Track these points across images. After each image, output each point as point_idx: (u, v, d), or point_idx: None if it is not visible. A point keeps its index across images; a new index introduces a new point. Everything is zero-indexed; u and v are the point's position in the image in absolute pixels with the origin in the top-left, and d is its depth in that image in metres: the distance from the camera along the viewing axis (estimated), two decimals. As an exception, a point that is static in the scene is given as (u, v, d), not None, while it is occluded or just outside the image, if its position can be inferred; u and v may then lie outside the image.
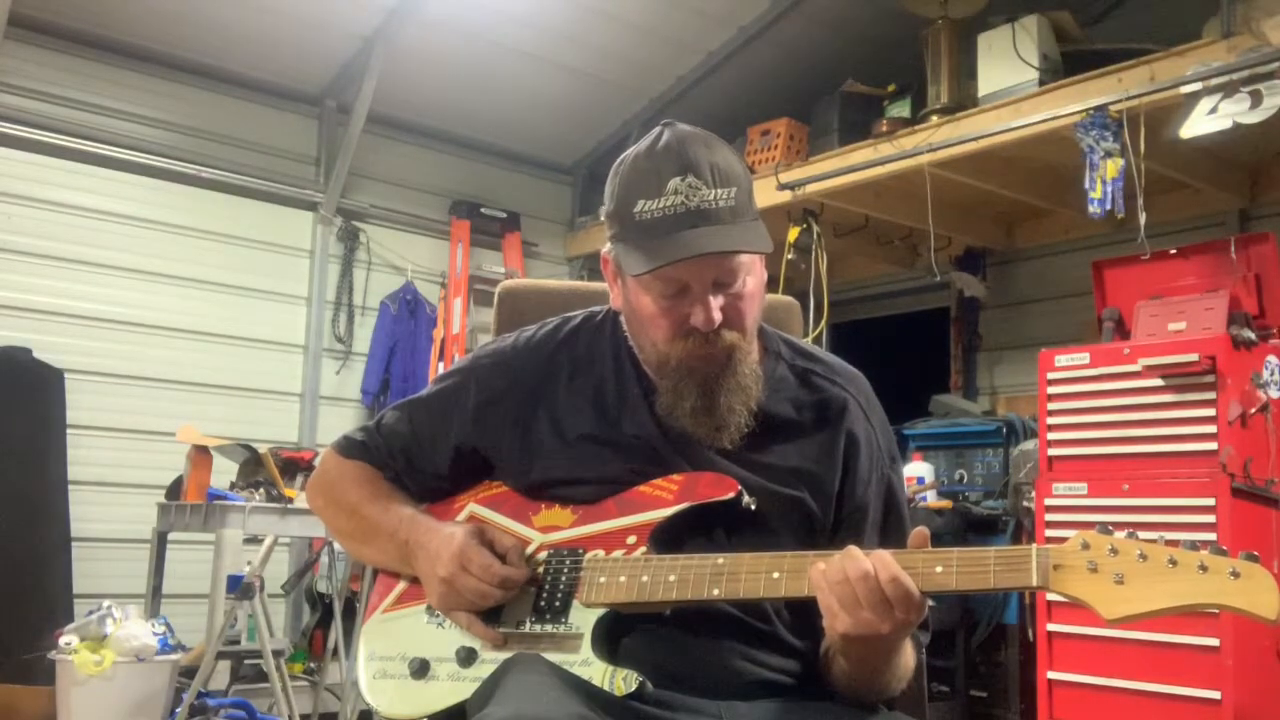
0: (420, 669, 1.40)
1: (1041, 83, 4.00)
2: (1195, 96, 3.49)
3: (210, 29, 4.76)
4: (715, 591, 1.28)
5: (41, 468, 4.35)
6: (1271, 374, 3.36)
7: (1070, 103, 3.79)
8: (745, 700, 1.33)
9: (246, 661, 3.94)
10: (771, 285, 1.59)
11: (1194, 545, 1.12)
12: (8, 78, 4.54)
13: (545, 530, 1.43)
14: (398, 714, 1.40)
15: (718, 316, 1.35)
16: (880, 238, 5.30)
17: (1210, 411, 3.27)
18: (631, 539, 1.37)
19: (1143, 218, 3.57)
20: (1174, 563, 1.11)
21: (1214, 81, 3.43)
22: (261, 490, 3.90)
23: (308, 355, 5.29)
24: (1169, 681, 3.19)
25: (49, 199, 4.63)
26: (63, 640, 3.47)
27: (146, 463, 4.61)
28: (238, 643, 3.81)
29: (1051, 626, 3.48)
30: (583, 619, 1.34)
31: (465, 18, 4.84)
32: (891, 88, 4.70)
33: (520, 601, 1.38)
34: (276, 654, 3.68)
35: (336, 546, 4.15)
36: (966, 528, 4.33)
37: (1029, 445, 4.16)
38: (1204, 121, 3.47)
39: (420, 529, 1.45)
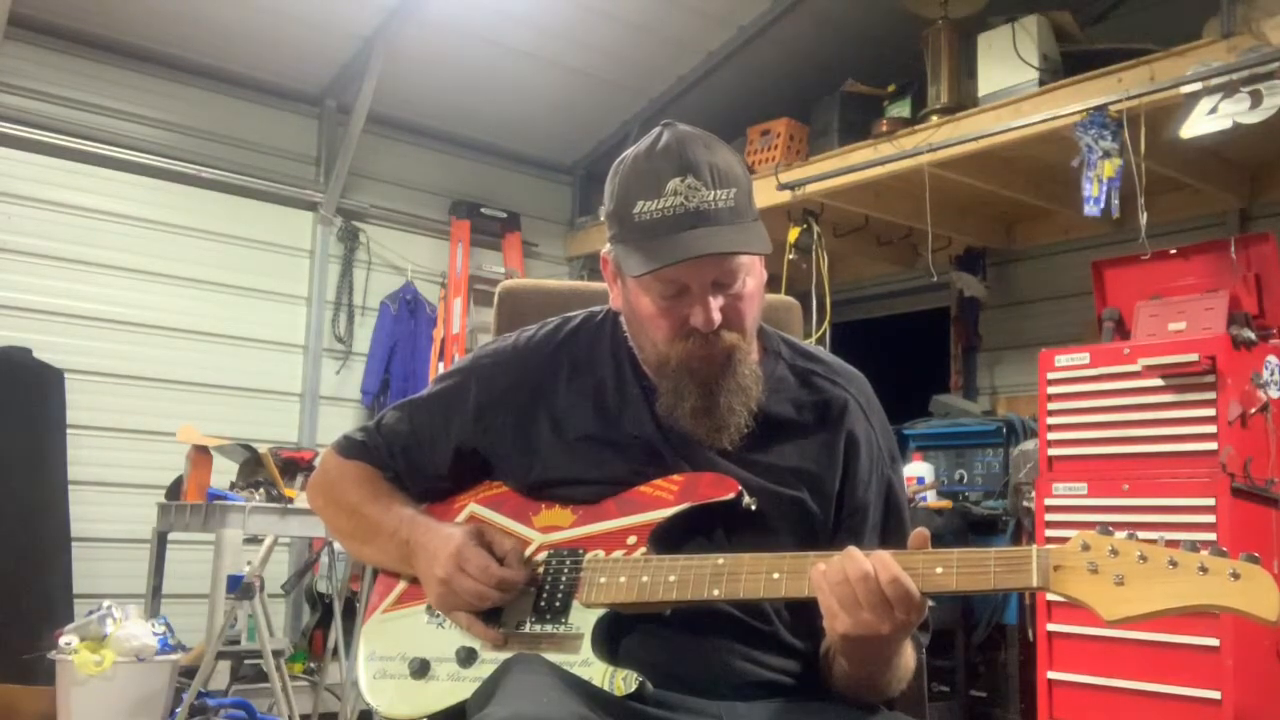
0: (420, 669, 1.40)
1: (1041, 83, 4.00)
2: (1195, 96, 3.49)
3: (210, 29, 4.76)
4: (715, 592, 1.28)
5: (41, 468, 4.35)
6: (1271, 374, 3.36)
7: (1070, 103, 3.79)
8: (745, 700, 1.33)
9: (246, 661, 3.94)
10: (773, 285, 1.59)
11: (1194, 546, 1.12)
12: (8, 78, 4.54)
13: (545, 530, 1.43)
14: (398, 714, 1.40)
15: (717, 317, 1.35)
16: (880, 238, 5.31)
17: (1210, 411, 3.27)
18: (632, 539, 1.37)
19: (1143, 218, 3.57)
20: (1174, 564, 1.11)
21: (1214, 81, 3.43)
22: (261, 490, 3.90)
23: (308, 355, 5.29)
24: (1169, 681, 3.19)
25: (49, 199, 4.63)
26: (63, 640, 3.47)
27: (146, 463, 4.61)
28: (238, 643, 3.81)
29: (1051, 626, 3.48)
30: (583, 619, 1.34)
31: (465, 18, 4.84)
32: (891, 88, 4.70)
33: (520, 602, 1.38)
34: (276, 654, 3.68)
35: (336, 546, 4.15)
36: (966, 528, 4.33)
37: (1029, 445, 4.16)
38: (1204, 121, 3.47)
39: (420, 529, 1.45)
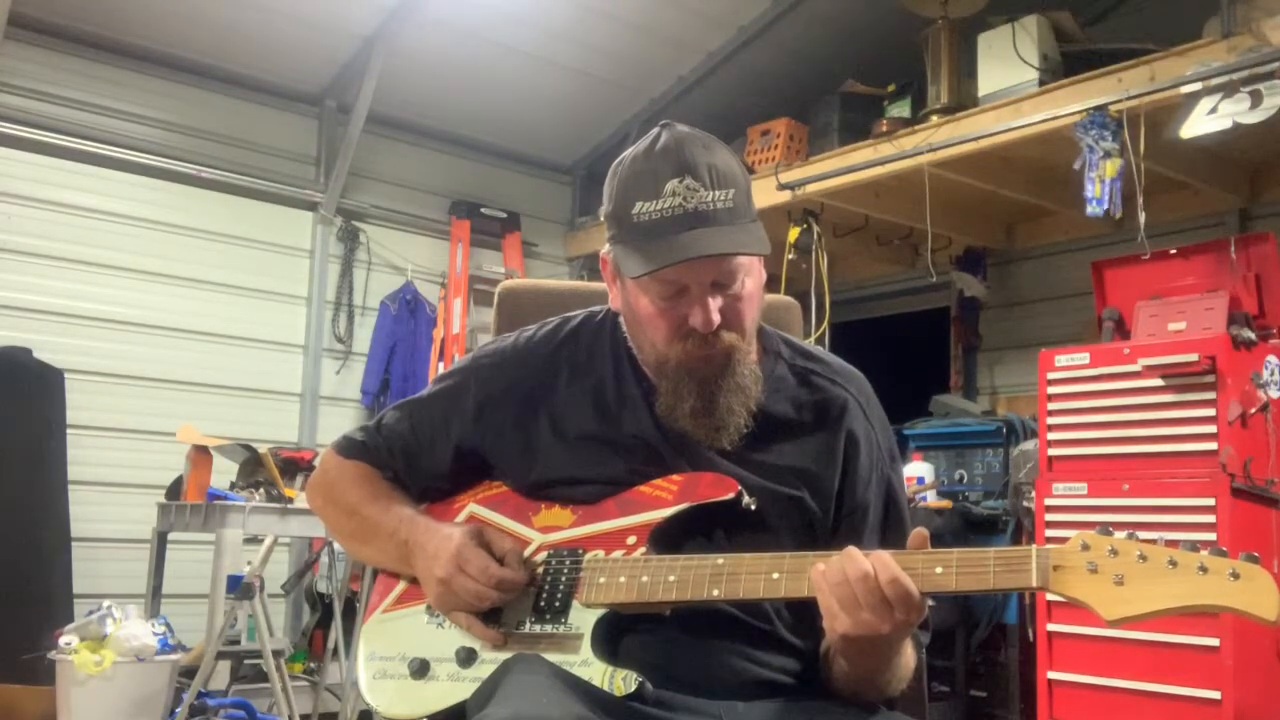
0: (420, 669, 1.40)
1: (1041, 83, 4.00)
2: (1195, 96, 3.49)
3: (210, 29, 4.76)
4: (715, 592, 1.28)
5: (41, 468, 4.35)
6: (1271, 374, 3.36)
7: (1070, 103, 3.79)
8: (745, 700, 1.33)
9: (246, 661, 3.94)
10: (772, 285, 1.59)
11: (1194, 546, 1.12)
12: (8, 78, 4.54)
13: (545, 530, 1.43)
14: (398, 714, 1.40)
15: (716, 318, 1.35)
16: (880, 238, 5.30)
17: (1210, 411, 3.27)
18: (631, 539, 1.37)
19: (1143, 218, 3.57)
20: (1174, 564, 1.11)
21: (1214, 81, 3.43)
22: (261, 490, 3.90)
23: (308, 355, 5.29)
24: (1169, 681, 3.19)
25: (49, 199, 4.63)
26: (63, 640, 3.47)
27: (146, 463, 4.61)
28: (238, 643, 3.81)
29: (1051, 626, 3.48)
30: (582, 619, 1.34)
31: (465, 18, 4.84)
32: (891, 88, 4.70)
33: (520, 602, 1.38)
34: (276, 654, 3.68)
35: (336, 546, 4.15)
36: (966, 528, 4.33)
37: (1029, 445, 4.15)
38: (1204, 121, 3.47)
39: (419, 529, 1.45)
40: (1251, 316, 3.59)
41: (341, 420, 5.23)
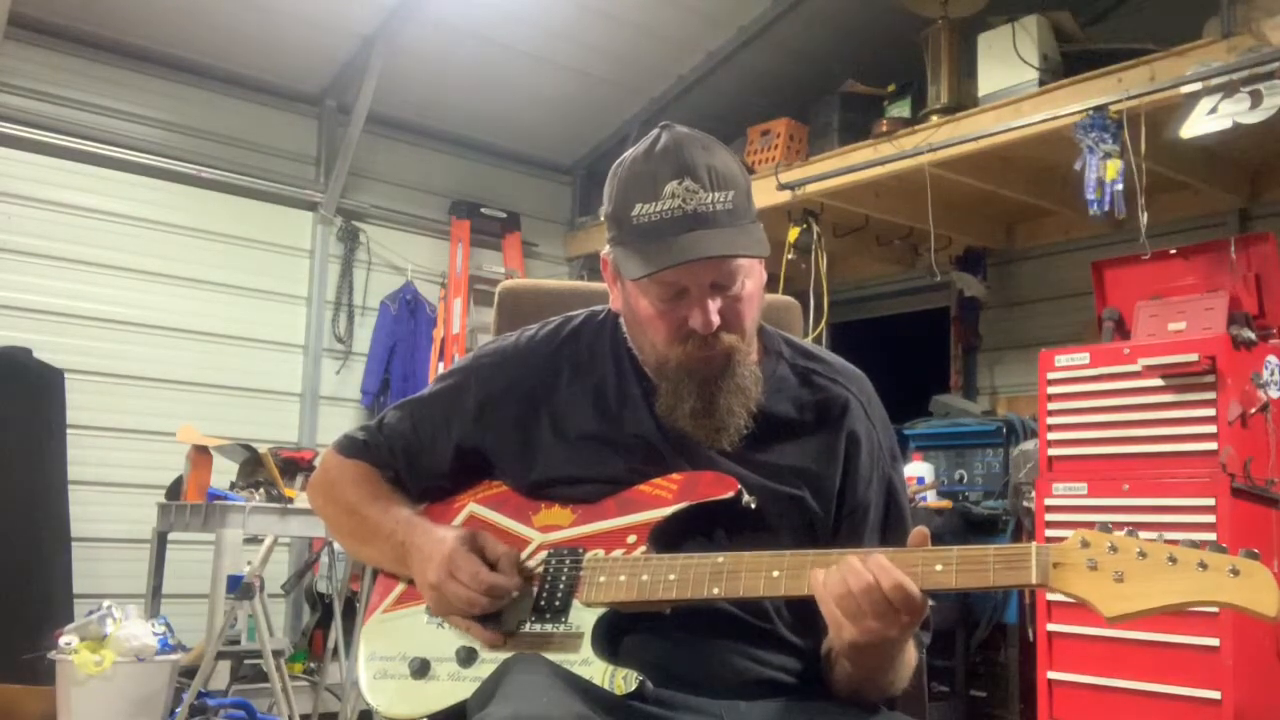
0: (420, 669, 1.40)
1: (1041, 83, 4.00)
2: (1195, 96, 3.49)
3: (210, 29, 4.76)
4: (715, 590, 1.28)
5: (41, 468, 4.35)
6: (1271, 374, 3.36)
7: (1070, 103, 3.79)
8: (746, 699, 1.33)
9: (246, 661, 3.94)
10: (772, 285, 1.59)
11: (1194, 543, 1.12)
12: (8, 78, 4.54)
13: (545, 530, 1.43)
14: (398, 714, 1.40)
15: (716, 319, 1.35)
16: (880, 238, 5.31)
17: (1210, 411, 3.27)
18: (631, 538, 1.37)
19: (1143, 218, 3.57)
20: (1173, 560, 1.11)
21: (1214, 81, 3.43)
22: (261, 490, 3.90)
23: (308, 355, 5.29)
24: (1169, 681, 3.19)
25: (49, 199, 4.64)
26: (63, 640, 3.47)
27: (146, 463, 4.61)
28: (238, 643, 3.81)
29: (1051, 626, 3.48)
30: (583, 618, 1.34)
31: (465, 17, 4.84)
32: (891, 88, 4.70)
33: (520, 601, 1.38)
34: (276, 654, 3.68)
35: (336, 546, 4.15)
36: (966, 528, 4.33)
37: (1029, 445, 4.16)
38: (1204, 121, 3.47)
39: (416, 531, 1.45)
40: (1251, 316, 3.59)
41: (341, 420, 5.23)
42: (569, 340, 1.53)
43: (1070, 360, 3.60)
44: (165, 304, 4.88)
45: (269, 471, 3.93)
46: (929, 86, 4.49)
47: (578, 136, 5.93)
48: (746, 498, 1.35)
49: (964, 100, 4.35)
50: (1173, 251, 3.90)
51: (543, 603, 1.37)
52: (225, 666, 3.86)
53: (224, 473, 4.10)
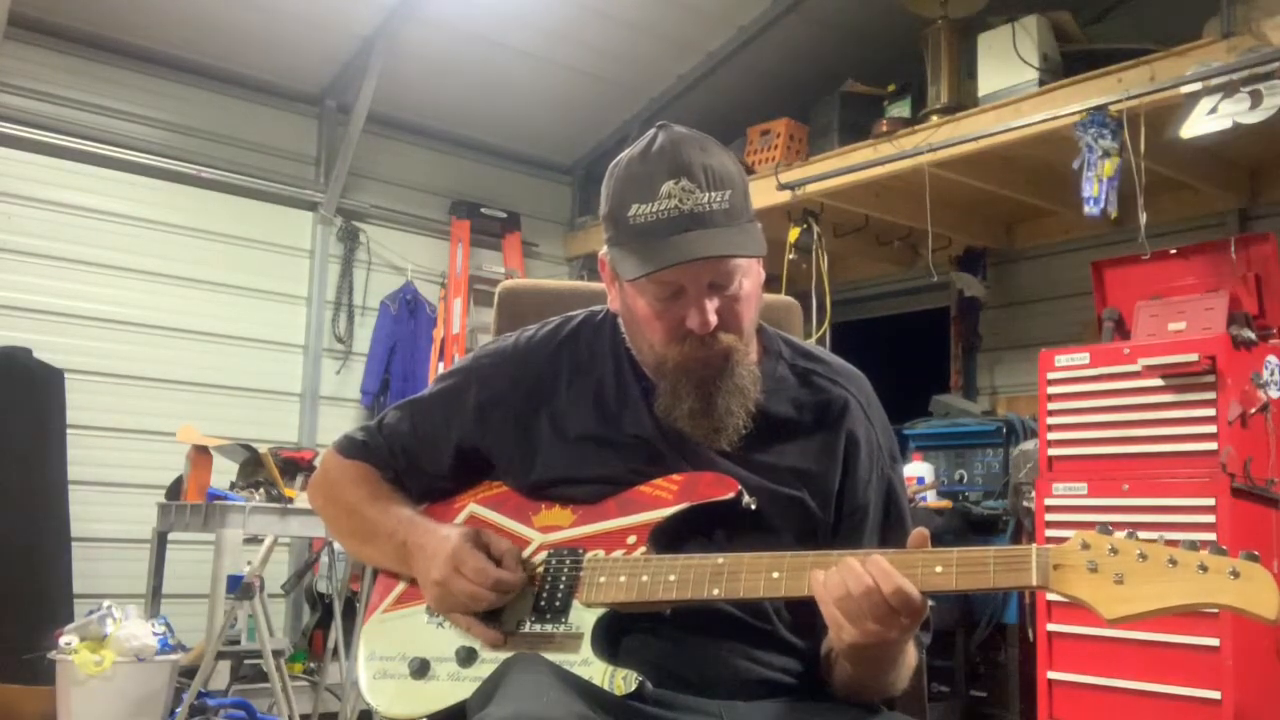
0: (420, 669, 1.40)
1: (1041, 83, 4.00)
2: (1195, 96, 3.49)
3: (210, 29, 4.76)
4: (715, 591, 1.28)
5: (41, 468, 4.34)
6: (1271, 374, 3.36)
7: (1070, 103, 3.79)
8: (745, 700, 1.33)
9: (246, 661, 3.94)
10: (773, 285, 1.59)
11: (1194, 545, 1.12)
12: (8, 78, 4.54)
13: (545, 530, 1.43)
14: (398, 714, 1.40)
15: (713, 319, 1.35)
16: (880, 238, 5.30)
17: (1210, 411, 3.27)
18: (631, 539, 1.37)
19: (1143, 218, 3.57)
20: (1174, 562, 1.11)
21: (1214, 81, 3.43)
22: (261, 490, 3.90)
23: (308, 355, 5.29)
24: (1169, 681, 3.19)
25: (49, 199, 4.64)
26: (63, 640, 3.47)
27: (146, 463, 4.61)
28: (238, 643, 3.81)
29: (1051, 626, 3.48)
30: (583, 619, 1.34)
31: (465, 17, 4.84)
32: (891, 88, 4.70)
33: (520, 601, 1.38)
34: (276, 654, 3.68)
35: (336, 546, 4.15)
36: (966, 528, 4.33)
37: (1029, 445, 4.15)
38: (1204, 121, 3.47)
39: (418, 530, 1.45)
40: (1251, 316, 3.59)
41: (341, 420, 5.23)
42: (568, 341, 1.53)
43: (1070, 360, 3.60)
44: (165, 304, 4.88)
45: (269, 471, 3.93)
46: (929, 86, 4.49)
47: (578, 136, 5.93)
48: (746, 499, 1.36)
49: (964, 100, 4.35)
50: (1173, 251, 3.90)
51: (543, 603, 1.37)
52: (225, 666, 3.86)
53: (224, 473, 4.10)
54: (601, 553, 1.37)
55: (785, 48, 5.16)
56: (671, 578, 1.30)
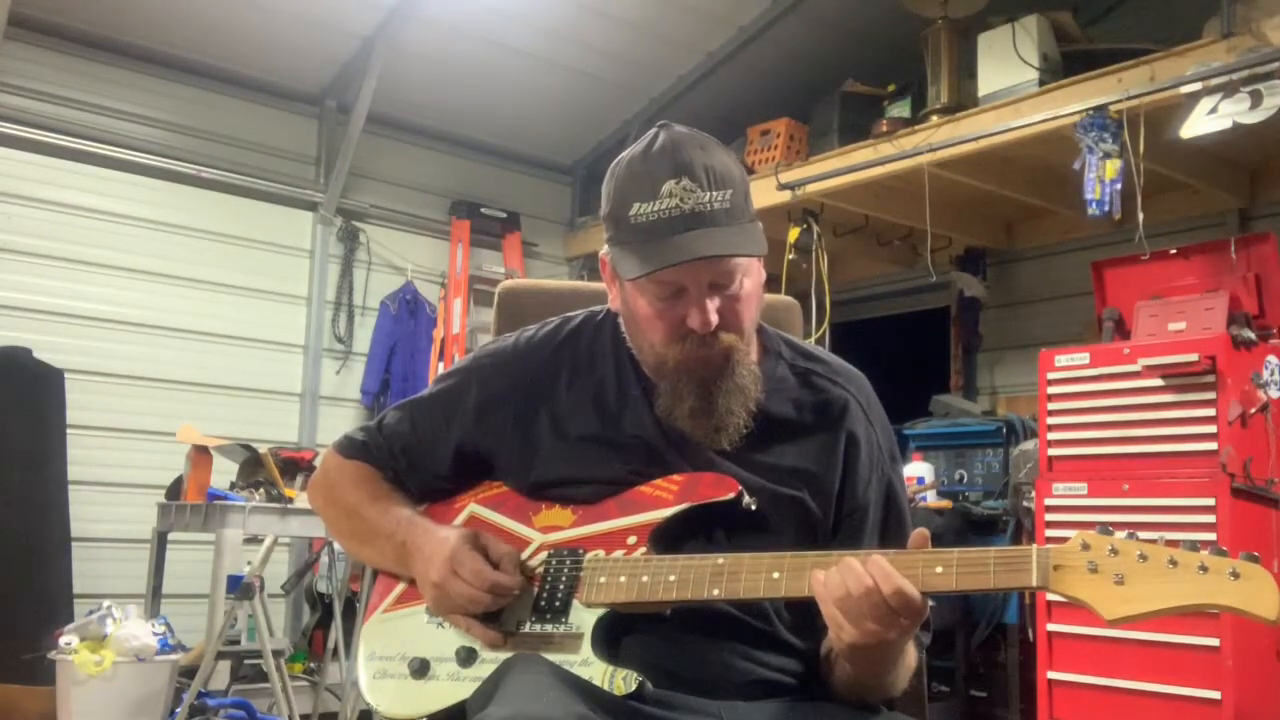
0: (420, 669, 1.40)
1: (1041, 83, 4.00)
2: (1195, 96, 3.49)
3: (210, 29, 4.76)
4: (715, 591, 1.28)
5: (41, 468, 4.34)
6: (1271, 374, 3.36)
7: (1070, 103, 3.79)
8: (745, 700, 1.33)
9: (246, 661, 3.94)
10: (772, 285, 1.59)
11: (1194, 546, 1.12)
12: (8, 78, 4.54)
13: (545, 530, 1.43)
14: (398, 714, 1.40)
15: (714, 319, 1.35)
16: (880, 238, 5.30)
17: (1210, 411, 3.27)
18: (632, 539, 1.37)
19: (1142, 218, 3.57)
20: (1174, 563, 1.11)
21: (1214, 81, 3.43)
22: (261, 490, 3.90)
23: (308, 355, 5.29)
24: (1169, 681, 3.19)
25: (49, 199, 4.64)
26: (63, 640, 3.47)
27: (146, 463, 4.61)
28: (238, 643, 3.81)
29: (1051, 626, 3.48)
30: (583, 619, 1.34)
31: (465, 17, 4.84)
32: (891, 88, 4.70)
33: (520, 601, 1.38)
34: (276, 654, 3.68)
35: (336, 546, 4.15)
36: (966, 528, 4.33)
37: (1029, 445, 4.15)
38: (1204, 121, 3.47)
39: (417, 531, 1.45)
40: (1251, 316, 3.59)
41: (341, 420, 5.23)
42: (568, 341, 1.52)
43: (1070, 360, 3.60)
44: (165, 304, 4.88)
45: (269, 471, 3.93)
46: (929, 86, 4.49)
47: (578, 136, 5.93)
48: (747, 499, 1.36)
49: (964, 100, 4.35)
50: (1173, 251, 3.90)
51: (543, 603, 1.37)
52: (225, 666, 3.86)
53: (224, 473, 4.10)
54: (602, 553, 1.37)
55: (785, 48, 5.16)
56: (671, 578, 1.30)
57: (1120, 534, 1.15)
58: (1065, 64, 4.10)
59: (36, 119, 4.60)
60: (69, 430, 4.48)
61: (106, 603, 3.59)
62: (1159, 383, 3.37)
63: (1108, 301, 4.01)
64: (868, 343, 5.78)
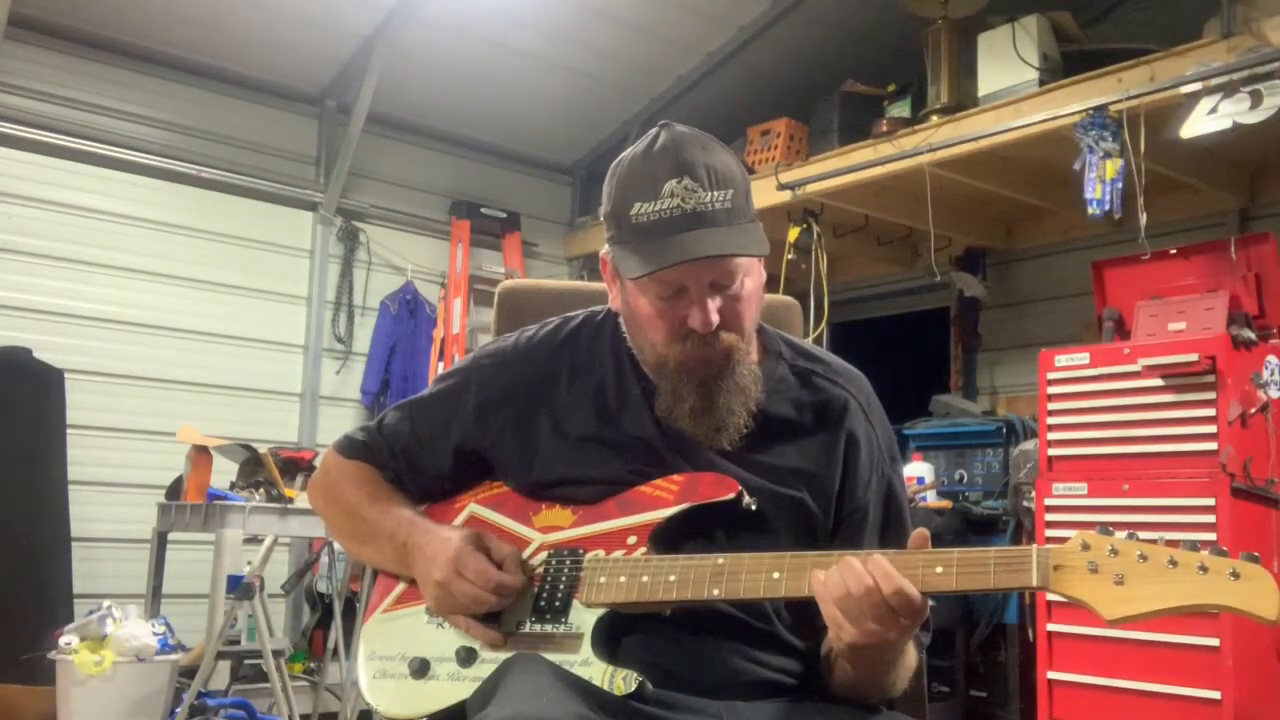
0: (420, 669, 1.40)
1: (1041, 83, 4.00)
2: (1195, 96, 3.49)
3: (210, 29, 4.76)
4: (715, 591, 1.28)
5: (41, 468, 4.34)
6: (1271, 374, 3.36)
7: (1070, 103, 3.79)
8: (745, 700, 1.33)
9: (246, 661, 3.94)
10: (772, 285, 1.59)
11: (1194, 546, 1.12)
12: (8, 78, 4.54)
13: (545, 530, 1.43)
14: (398, 714, 1.40)
15: (715, 319, 1.35)
16: (880, 238, 5.31)
17: (1210, 411, 3.27)
18: (632, 539, 1.37)
19: (1143, 218, 3.57)
20: (1174, 563, 1.11)
21: (1214, 81, 3.43)
22: (261, 490, 3.90)
23: (308, 355, 5.29)
24: (1169, 681, 3.19)
25: (49, 199, 4.63)
26: (63, 640, 3.47)
27: (146, 463, 4.61)
28: (238, 643, 3.81)
29: (1051, 626, 3.48)
30: (583, 619, 1.34)
31: (465, 17, 4.84)
32: (891, 88, 4.70)
33: (520, 602, 1.38)
34: (276, 654, 3.68)
35: (336, 546, 4.15)
36: (966, 528, 4.33)
37: (1029, 445, 4.15)
38: (1204, 121, 3.47)
39: (418, 531, 1.45)
40: (1251, 316, 3.58)
41: (341, 420, 5.23)
42: (568, 341, 1.53)
43: (1070, 360, 3.60)
44: (165, 304, 4.88)
45: (269, 471, 3.93)
46: (929, 86, 4.49)
47: (578, 136, 5.93)
48: (747, 499, 1.36)
49: (964, 100, 4.35)
50: (1173, 251, 3.90)
51: (543, 603, 1.37)
52: (225, 666, 3.86)
53: (224, 473, 4.10)
54: (602, 553, 1.37)
55: (785, 48, 5.16)
56: (672, 578, 1.30)
57: (1120, 534, 1.15)
58: (1065, 64, 4.10)
59: (36, 119, 4.60)
60: (69, 430, 4.47)
61: (106, 603, 3.59)
62: (1159, 383, 3.37)
63: (1108, 301, 4.01)
64: (868, 343, 5.78)
